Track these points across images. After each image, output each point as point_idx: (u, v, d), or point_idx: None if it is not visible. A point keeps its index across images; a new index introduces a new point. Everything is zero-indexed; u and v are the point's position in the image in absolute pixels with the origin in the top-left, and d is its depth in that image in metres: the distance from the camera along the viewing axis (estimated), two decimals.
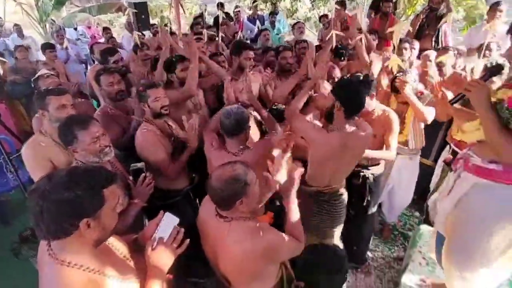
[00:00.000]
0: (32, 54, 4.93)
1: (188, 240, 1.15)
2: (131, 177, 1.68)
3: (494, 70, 1.46)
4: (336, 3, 3.97)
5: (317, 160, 1.75)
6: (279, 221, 1.55)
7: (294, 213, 1.38)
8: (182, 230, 1.14)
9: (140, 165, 1.70)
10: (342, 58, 2.81)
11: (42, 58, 4.16)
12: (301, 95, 1.83)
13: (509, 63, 1.78)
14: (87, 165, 1.45)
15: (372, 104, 2.03)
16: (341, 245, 2.06)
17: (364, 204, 2.16)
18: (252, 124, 1.98)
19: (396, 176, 2.49)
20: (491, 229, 1.21)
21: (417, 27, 3.72)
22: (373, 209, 2.36)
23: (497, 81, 1.84)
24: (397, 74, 2.19)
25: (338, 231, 1.98)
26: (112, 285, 0.96)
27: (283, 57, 2.71)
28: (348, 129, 1.64)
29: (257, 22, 5.99)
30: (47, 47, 3.94)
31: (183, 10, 3.49)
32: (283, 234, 1.32)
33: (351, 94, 1.60)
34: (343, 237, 2.37)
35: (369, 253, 2.65)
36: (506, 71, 1.85)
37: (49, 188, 0.85)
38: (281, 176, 1.40)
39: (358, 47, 2.68)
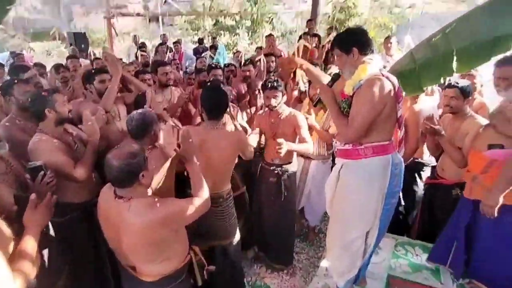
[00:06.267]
0: None
1: (55, 197, 1.35)
2: (28, 176, 1.60)
3: (335, 77, 1.75)
4: (267, 36, 5.43)
5: None
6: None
7: (196, 174, 1.53)
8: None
9: (39, 162, 1.62)
10: None
11: None
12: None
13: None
14: None
15: (282, 106, 2.29)
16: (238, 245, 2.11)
17: (282, 199, 2.28)
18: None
19: (312, 181, 2.71)
20: (352, 196, 1.48)
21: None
22: (292, 207, 2.50)
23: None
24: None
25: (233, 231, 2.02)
26: None
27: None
28: (208, 128, 1.79)
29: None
30: None
31: (115, 32, 3.60)
32: (184, 200, 1.42)
33: (205, 99, 1.79)
34: (267, 237, 2.46)
35: (295, 256, 2.74)
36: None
37: None
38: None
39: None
